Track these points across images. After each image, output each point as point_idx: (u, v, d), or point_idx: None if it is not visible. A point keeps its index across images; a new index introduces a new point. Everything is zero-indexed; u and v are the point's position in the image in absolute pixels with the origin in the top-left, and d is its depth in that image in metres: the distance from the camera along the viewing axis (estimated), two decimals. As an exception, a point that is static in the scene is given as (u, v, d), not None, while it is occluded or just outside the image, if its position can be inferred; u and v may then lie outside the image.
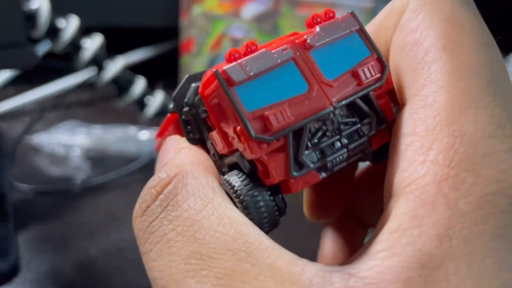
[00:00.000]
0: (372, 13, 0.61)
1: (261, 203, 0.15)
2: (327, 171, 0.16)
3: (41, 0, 0.40)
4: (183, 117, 0.18)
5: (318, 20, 0.16)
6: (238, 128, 0.14)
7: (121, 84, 0.46)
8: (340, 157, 0.16)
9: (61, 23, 0.41)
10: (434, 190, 0.13)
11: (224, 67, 0.14)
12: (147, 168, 0.49)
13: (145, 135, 0.53)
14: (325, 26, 0.16)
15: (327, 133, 0.16)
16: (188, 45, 0.55)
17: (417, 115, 0.15)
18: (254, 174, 0.16)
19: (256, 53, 0.15)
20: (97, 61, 0.44)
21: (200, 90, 0.16)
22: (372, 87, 0.16)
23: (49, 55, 0.60)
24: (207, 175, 0.16)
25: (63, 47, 0.42)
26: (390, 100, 0.17)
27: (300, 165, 0.15)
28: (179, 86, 0.18)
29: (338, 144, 0.16)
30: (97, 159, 0.51)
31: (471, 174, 0.13)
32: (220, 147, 0.16)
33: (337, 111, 0.15)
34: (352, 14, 0.16)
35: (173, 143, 0.18)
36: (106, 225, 0.42)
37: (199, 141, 0.18)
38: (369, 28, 0.18)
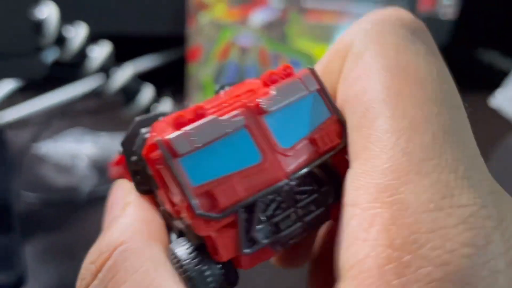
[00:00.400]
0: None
1: (210, 279, 0.14)
2: (282, 245, 0.14)
3: (50, 9, 0.39)
4: (131, 167, 0.16)
5: (275, 78, 0.15)
6: (182, 204, 0.13)
7: (129, 92, 0.46)
8: (296, 230, 0.14)
9: (69, 31, 0.41)
10: (377, 276, 0.12)
11: (168, 137, 0.13)
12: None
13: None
14: (281, 87, 0.14)
15: (282, 205, 0.14)
16: (195, 53, 0.54)
17: (358, 183, 0.13)
18: (203, 246, 0.14)
19: (204, 120, 0.13)
20: (105, 69, 0.44)
21: (143, 152, 0.14)
22: (331, 154, 0.15)
23: (57, 63, 0.60)
24: (151, 246, 0.14)
25: (71, 55, 0.41)
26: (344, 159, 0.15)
27: (252, 241, 0.14)
28: (128, 131, 0.16)
29: (294, 215, 0.14)
30: (104, 168, 0.50)
31: (415, 256, 0.12)
32: (168, 208, 0.15)
33: (292, 182, 0.14)
34: (312, 72, 0.15)
35: (121, 194, 0.17)
36: (113, 235, 0.41)
37: (149, 191, 0.16)
38: (317, 69, 0.16)
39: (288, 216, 0.14)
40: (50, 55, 0.55)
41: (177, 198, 0.14)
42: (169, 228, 0.16)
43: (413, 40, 0.15)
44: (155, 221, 0.16)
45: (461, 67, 0.84)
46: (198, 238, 0.14)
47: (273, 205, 0.14)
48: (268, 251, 0.14)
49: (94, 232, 0.42)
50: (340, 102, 0.15)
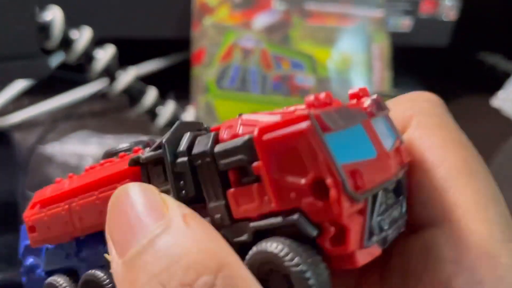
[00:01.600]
0: (382, 23, 0.61)
1: (323, 278, 0.13)
2: (385, 244, 0.14)
3: (55, 11, 0.40)
4: (176, 169, 0.15)
5: (360, 94, 0.16)
6: (330, 180, 0.12)
7: (133, 94, 0.46)
8: (396, 230, 0.15)
9: (74, 34, 0.42)
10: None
11: (320, 112, 0.13)
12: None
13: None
14: (373, 101, 0.15)
15: (388, 202, 0.15)
16: (199, 55, 0.55)
17: (454, 243, 0.15)
18: (310, 242, 0.13)
19: (339, 107, 0.14)
20: (110, 72, 0.45)
21: (256, 134, 0.13)
22: (406, 168, 0.16)
23: (62, 66, 0.61)
24: (245, 267, 0.13)
25: (76, 58, 0.42)
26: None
27: (371, 234, 0.14)
28: (170, 133, 0.16)
29: (394, 215, 0.15)
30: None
31: None
32: (253, 206, 0.14)
33: (392, 184, 0.15)
34: (382, 99, 0.16)
35: (156, 200, 0.13)
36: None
37: (192, 201, 0.15)
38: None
39: (389, 219, 0.15)
40: (55, 58, 0.56)
41: (307, 178, 0.13)
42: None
43: (450, 117, 0.18)
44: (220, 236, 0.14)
45: (463, 68, 0.84)
46: (315, 228, 0.13)
47: (381, 203, 0.14)
48: (377, 248, 0.14)
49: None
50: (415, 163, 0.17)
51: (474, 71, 0.86)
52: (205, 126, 0.17)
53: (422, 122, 0.17)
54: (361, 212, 0.13)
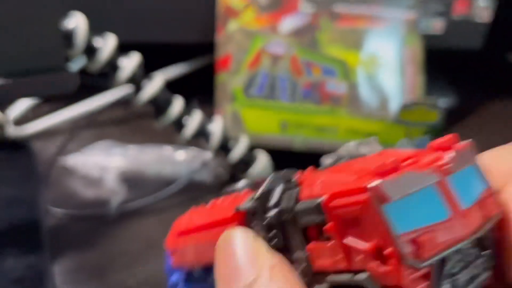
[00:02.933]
0: (413, 25, 0.58)
1: None
2: None
3: (78, 18, 0.38)
4: (267, 221, 0.16)
5: (445, 145, 0.16)
6: (389, 249, 0.13)
7: (159, 104, 0.44)
8: (476, 286, 0.15)
9: (97, 42, 0.40)
10: None
11: (379, 182, 0.13)
12: (185, 191, 0.47)
13: (182, 155, 0.51)
14: (457, 154, 0.15)
15: (460, 264, 0.15)
16: (225, 62, 0.53)
17: None
18: None
19: (404, 173, 0.14)
20: (135, 80, 0.43)
21: (325, 200, 0.15)
22: (494, 221, 0.15)
23: (86, 73, 0.59)
24: None
25: (100, 67, 0.40)
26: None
27: None
28: (263, 187, 0.17)
29: (469, 277, 0.15)
30: (133, 181, 0.49)
31: None
32: (328, 262, 0.15)
33: (468, 244, 0.15)
34: (473, 145, 0.16)
35: (253, 250, 0.15)
36: (143, 253, 0.40)
37: (281, 250, 0.16)
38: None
39: (466, 277, 0.15)
40: (78, 66, 0.55)
41: (369, 245, 0.14)
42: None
43: None
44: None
45: (495, 70, 0.81)
46: None
47: (454, 264, 0.15)
48: None
49: (123, 249, 0.40)
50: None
51: (506, 73, 0.82)
52: (293, 178, 0.17)
53: None
54: (426, 276, 0.14)
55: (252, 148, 0.51)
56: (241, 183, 0.21)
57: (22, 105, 0.56)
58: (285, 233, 0.16)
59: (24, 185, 0.45)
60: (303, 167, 0.48)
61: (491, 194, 0.16)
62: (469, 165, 0.15)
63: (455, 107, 0.69)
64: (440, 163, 0.14)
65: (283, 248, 0.16)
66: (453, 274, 0.14)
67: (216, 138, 0.47)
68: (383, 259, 0.13)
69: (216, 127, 0.47)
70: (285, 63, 0.51)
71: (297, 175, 0.18)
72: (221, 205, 0.21)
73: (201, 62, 0.66)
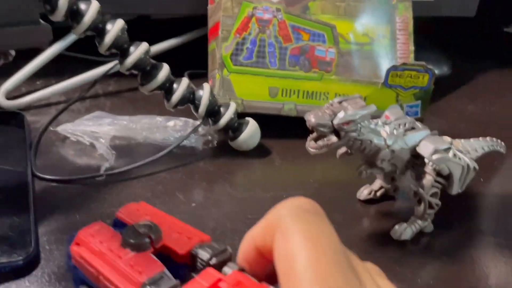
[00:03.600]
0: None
1: None
2: None
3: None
4: None
5: None
6: None
7: (144, 70, 0.44)
8: None
9: (81, 5, 0.40)
10: None
11: None
12: (174, 157, 0.47)
13: (172, 123, 0.51)
14: None
15: None
16: (214, 29, 0.53)
17: None
18: None
19: None
20: (120, 46, 0.43)
21: None
22: None
23: (75, 47, 0.59)
24: None
25: (83, 30, 0.40)
26: None
27: None
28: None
29: None
30: (123, 148, 0.49)
31: None
32: None
33: None
34: None
35: None
36: (130, 215, 0.40)
37: None
38: (254, 232, 0.24)
39: None
40: (67, 38, 0.54)
41: None
42: None
43: (314, 220, 0.22)
44: None
45: (488, 39, 0.80)
46: None
47: None
48: None
49: (111, 211, 0.40)
50: (276, 263, 0.22)
51: (502, 43, 0.81)
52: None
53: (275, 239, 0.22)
54: None
55: (242, 115, 0.50)
56: (134, 240, 0.28)
57: (15, 79, 0.56)
58: None
59: (14, 151, 0.45)
60: (293, 132, 0.48)
61: None
62: None
63: (448, 75, 0.68)
64: None
65: None
66: None
67: (203, 104, 0.47)
68: None
69: (203, 94, 0.47)
70: (273, 28, 0.51)
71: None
72: (114, 260, 0.27)
73: (196, 34, 0.66)
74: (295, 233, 0.21)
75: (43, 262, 0.35)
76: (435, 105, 0.63)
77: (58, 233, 0.38)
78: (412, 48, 0.55)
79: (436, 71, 0.67)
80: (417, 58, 0.55)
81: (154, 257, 0.27)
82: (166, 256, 0.28)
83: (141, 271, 0.26)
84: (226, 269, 0.26)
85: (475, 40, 0.80)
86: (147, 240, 0.28)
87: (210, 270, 0.25)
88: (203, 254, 0.27)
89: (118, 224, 0.31)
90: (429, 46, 0.70)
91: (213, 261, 0.27)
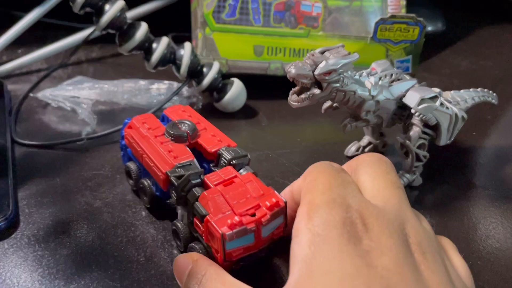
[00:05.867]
0: None
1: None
2: (244, 265, 0.30)
3: None
4: (177, 197, 0.31)
5: (268, 205, 0.29)
6: (220, 254, 0.28)
7: (121, 28, 0.43)
8: (251, 260, 0.30)
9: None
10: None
11: (225, 230, 0.27)
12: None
13: (156, 87, 0.50)
14: (272, 214, 0.28)
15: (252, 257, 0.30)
16: (196, -12, 0.51)
17: (293, 253, 0.25)
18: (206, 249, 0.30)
19: (241, 227, 0.27)
20: (93, 4, 0.41)
21: (207, 218, 0.28)
22: (276, 239, 0.30)
23: (55, 13, 0.57)
24: (222, 270, 0.27)
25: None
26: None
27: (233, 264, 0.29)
28: (185, 177, 0.30)
29: (251, 257, 0.30)
30: (105, 113, 0.48)
31: None
32: (199, 231, 0.30)
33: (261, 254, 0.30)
34: (285, 204, 0.29)
35: (186, 259, 0.28)
36: (110, 177, 0.39)
37: (185, 205, 0.31)
38: (295, 183, 0.30)
39: (249, 257, 0.29)
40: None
41: (212, 244, 0.29)
42: (190, 225, 0.31)
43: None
44: (215, 263, 0.28)
45: (493, 3, 0.78)
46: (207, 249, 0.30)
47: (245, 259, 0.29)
48: (238, 267, 0.30)
49: (91, 175, 0.39)
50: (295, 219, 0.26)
51: (503, 5, 0.79)
52: (202, 179, 0.31)
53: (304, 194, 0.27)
54: (230, 264, 0.29)
55: (227, 76, 0.49)
56: (176, 132, 0.33)
57: (-5, 47, 0.55)
58: (186, 202, 0.30)
59: (-8, 119, 0.44)
60: (280, 92, 0.46)
61: (281, 225, 0.29)
62: (276, 219, 0.29)
63: (442, 31, 0.66)
64: (261, 220, 0.28)
65: (184, 205, 0.31)
66: (243, 258, 0.29)
67: (185, 64, 0.45)
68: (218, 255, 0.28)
69: (184, 53, 0.45)
70: (256, -16, 0.49)
71: (205, 178, 0.30)
72: (157, 143, 0.33)
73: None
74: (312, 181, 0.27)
75: (22, 225, 0.34)
76: (428, 62, 0.61)
77: (38, 197, 0.37)
78: (403, 2, 0.53)
79: (430, 27, 0.65)
80: (409, 13, 0.53)
81: (188, 149, 0.33)
82: (198, 152, 0.34)
83: (175, 156, 0.32)
84: (242, 170, 0.31)
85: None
86: (185, 134, 0.33)
87: (230, 168, 0.31)
88: (227, 155, 0.32)
89: (165, 119, 0.37)
90: (423, 1, 0.68)
91: (234, 161, 0.32)
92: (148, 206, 0.35)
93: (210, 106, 0.49)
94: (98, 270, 0.31)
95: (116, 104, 0.49)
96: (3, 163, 0.39)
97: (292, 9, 0.50)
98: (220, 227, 0.27)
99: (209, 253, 0.29)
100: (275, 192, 0.30)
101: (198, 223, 0.29)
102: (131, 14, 0.59)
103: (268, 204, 0.28)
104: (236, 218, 0.27)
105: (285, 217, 0.29)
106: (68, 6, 0.42)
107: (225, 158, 0.32)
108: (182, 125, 0.34)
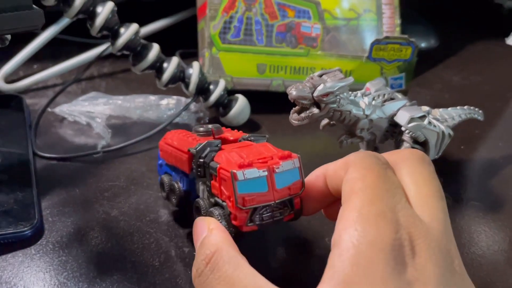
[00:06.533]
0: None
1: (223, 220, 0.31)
2: (262, 226, 0.30)
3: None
4: (198, 163, 0.32)
5: (280, 155, 0.31)
6: (232, 199, 0.29)
7: (135, 50, 0.46)
8: (273, 220, 0.31)
9: (71, -10, 0.41)
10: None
11: (236, 171, 0.29)
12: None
13: (166, 102, 0.54)
14: (284, 163, 0.30)
15: (268, 210, 0.30)
16: (203, 9, 0.54)
17: (332, 264, 0.24)
18: (229, 215, 0.31)
19: (251, 169, 0.29)
20: (111, 28, 0.45)
21: (218, 167, 0.30)
22: (293, 195, 0.31)
23: (69, 31, 0.61)
24: (233, 248, 0.27)
25: (75, 13, 0.42)
26: (300, 200, 0.31)
27: (250, 221, 0.30)
28: (199, 148, 0.33)
29: (270, 215, 0.30)
30: (119, 127, 0.51)
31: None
32: (215, 191, 0.31)
33: (274, 204, 0.30)
34: (299, 158, 0.31)
35: (204, 223, 0.29)
36: (126, 188, 0.42)
37: (203, 176, 0.33)
38: (328, 168, 0.30)
39: (268, 215, 0.30)
40: (61, 22, 0.56)
41: (226, 194, 0.30)
42: (209, 196, 0.32)
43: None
44: (229, 236, 0.28)
45: (476, 10, 0.81)
46: (228, 211, 0.30)
47: (264, 210, 0.30)
48: (254, 226, 0.30)
49: (108, 186, 0.43)
50: (343, 193, 0.27)
51: (491, 14, 0.82)
52: (218, 145, 0.33)
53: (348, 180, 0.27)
54: (246, 212, 0.29)
55: (232, 92, 0.52)
56: (203, 128, 0.36)
57: (13, 63, 0.58)
58: (205, 171, 0.32)
59: (15, 132, 0.47)
60: (281, 107, 0.50)
61: (298, 182, 0.31)
62: (291, 168, 0.30)
63: (435, 47, 0.70)
64: (273, 166, 0.29)
65: (204, 176, 0.32)
66: (261, 214, 0.30)
67: (193, 82, 0.49)
68: (230, 201, 0.29)
69: (193, 72, 0.49)
70: (259, 7, 0.53)
71: (220, 145, 0.33)
72: (186, 139, 0.36)
73: (186, 14, 0.67)
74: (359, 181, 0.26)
75: (47, 233, 0.37)
76: (421, 77, 0.65)
77: (60, 206, 0.40)
78: (398, 22, 0.57)
79: (423, 44, 0.69)
80: (404, 31, 0.56)
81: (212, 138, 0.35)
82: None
83: (198, 140, 0.34)
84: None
85: (464, 11, 0.81)
86: (209, 129, 0.36)
87: (247, 142, 0.34)
88: (246, 137, 0.35)
89: None
90: (416, 19, 0.71)
91: (251, 138, 0.34)
92: (177, 208, 0.38)
93: (216, 121, 0.53)
94: (117, 273, 0.34)
95: (129, 118, 0.52)
96: (27, 175, 0.42)
97: (293, 30, 0.53)
98: (231, 168, 0.28)
99: (225, 217, 0.30)
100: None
101: (215, 181, 0.31)
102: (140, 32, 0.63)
103: (280, 155, 0.30)
104: (247, 161, 0.29)
105: (301, 173, 0.31)
106: (81, 22, 0.45)
107: (243, 139, 0.35)
108: (209, 125, 0.37)
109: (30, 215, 0.38)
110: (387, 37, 0.52)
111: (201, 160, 0.32)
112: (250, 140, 0.34)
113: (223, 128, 0.38)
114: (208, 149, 0.32)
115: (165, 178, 0.38)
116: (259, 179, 0.29)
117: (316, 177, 0.30)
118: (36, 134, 0.49)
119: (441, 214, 0.25)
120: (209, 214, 0.31)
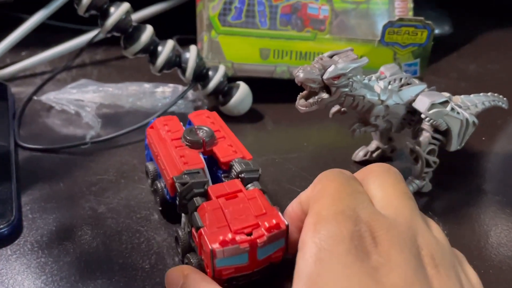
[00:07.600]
0: None
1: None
2: (239, 285, 0.29)
3: None
4: (183, 202, 0.30)
5: (267, 226, 0.28)
6: (209, 269, 0.27)
7: (126, 31, 0.42)
8: (246, 281, 0.29)
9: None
10: None
11: (216, 247, 0.26)
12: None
13: (161, 90, 0.50)
14: (270, 236, 0.27)
15: (244, 278, 0.29)
16: (201, -10, 0.50)
17: (298, 266, 0.24)
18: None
19: (233, 245, 0.27)
20: (98, 6, 0.41)
21: (200, 232, 0.28)
22: (274, 262, 0.29)
23: (60, 16, 0.57)
24: (215, 285, 0.27)
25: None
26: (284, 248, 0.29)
27: (227, 284, 0.29)
28: (188, 184, 0.30)
29: (246, 280, 0.29)
30: (110, 116, 0.47)
31: None
32: (195, 243, 0.29)
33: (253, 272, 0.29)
34: (287, 227, 0.28)
35: (177, 273, 0.28)
36: (115, 182, 0.38)
37: (186, 212, 0.31)
38: (303, 193, 0.28)
39: (245, 280, 0.29)
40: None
41: (203, 257, 0.28)
42: (189, 236, 0.30)
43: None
44: (205, 275, 0.28)
45: (500, 5, 0.77)
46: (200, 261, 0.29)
47: (239, 279, 0.29)
48: None
49: (95, 180, 0.39)
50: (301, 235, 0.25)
51: (505, 1, 0.78)
52: (206, 189, 0.30)
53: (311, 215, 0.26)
54: (222, 280, 0.28)
55: (233, 79, 0.48)
56: (192, 137, 0.33)
57: (-1, 49, 0.54)
58: (187, 209, 0.30)
59: (-4, 122, 0.44)
60: (286, 96, 0.46)
61: (281, 249, 0.29)
62: (276, 241, 0.28)
63: (449, 34, 0.66)
64: (256, 241, 0.27)
65: (186, 213, 0.30)
66: (238, 280, 0.28)
67: (190, 67, 0.45)
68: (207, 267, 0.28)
69: (190, 56, 0.45)
70: (262, -14, 0.49)
71: (208, 189, 0.30)
72: (171, 146, 0.33)
73: None
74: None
75: (26, 231, 0.34)
76: (435, 65, 0.61)
77: (42, 202, 0.36)
78: (411, 5, 0.53)
79: (437, 30, 0.64)
80: (416, 16, 0.52)
81: (201, 156, 0.33)
82: (215, 159, 0.33)
83: (186, 162, 0.32)
84: (250, 185, 0.31)
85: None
86: (200, 141, 0.33)
87: (237, 181, 0.30)
88: (237, 167, 0.31)
89: (189, 123, 0.37)
90: (430, 4, 0.67)
91: (243, 175, 0.31)
92: (160, 208, 0.35)
93: (216, 110, 0.48)
94: (102, 277, 0.30)
95: (121, 107, 0.48)
96: (7, 167, 0.38)
97: (299, 12, 0.49)
98: (211, 243, 0.26)
99: (201, 267, 0.29)
100: (279, 213, 0.28)
101: (195, 233, 0.28)
102: (136, 16, 0.59)
103: (267, 225, 0.27)
104: (229, 236, 0.26)
105: (286, 241, 0.28)
106: (72, 8, 0.42)
107: (235, 170, 0.32)
108: (200, 131, 0.34)
109: (7, 212, 0.34)
110: (401, 19, 0.48)
111: (184, 201, 0.30)
112: (241, 178, 0.31)
113: (217, 130, 0.35)
114: (194, 191, 0.29)
115: (150, 167, 0.36)
116: (240, 255, 0.27)
117: (293, 208, 0.29)
118: (20, 123, 0.46)
119: (407, 211, 0.25)
120: (186, 259, 0.30)
